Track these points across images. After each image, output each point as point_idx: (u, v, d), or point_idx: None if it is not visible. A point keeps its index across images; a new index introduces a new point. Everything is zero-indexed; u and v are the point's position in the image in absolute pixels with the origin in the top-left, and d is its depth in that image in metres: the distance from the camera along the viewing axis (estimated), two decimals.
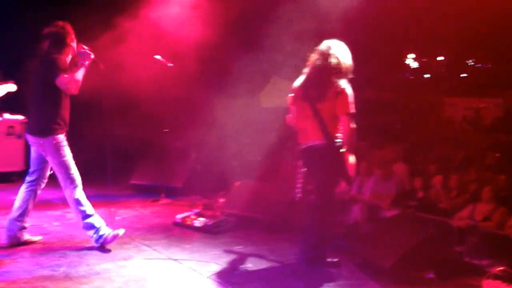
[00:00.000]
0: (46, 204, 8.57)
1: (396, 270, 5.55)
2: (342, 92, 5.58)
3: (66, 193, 6.29)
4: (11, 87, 6.74)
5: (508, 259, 5.85)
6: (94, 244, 6.27)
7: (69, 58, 6.30)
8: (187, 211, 7.86)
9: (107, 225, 6.76)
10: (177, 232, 7.26)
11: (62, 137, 6.19)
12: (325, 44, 5.80)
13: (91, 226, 6.27)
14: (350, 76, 5.76)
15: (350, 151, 5.64)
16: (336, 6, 8.01)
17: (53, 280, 5.26)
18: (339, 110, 5.59)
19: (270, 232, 7.25)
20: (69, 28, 6.33)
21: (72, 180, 6.25)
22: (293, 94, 5.99)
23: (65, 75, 6.03)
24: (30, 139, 6.29)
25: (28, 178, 6.47)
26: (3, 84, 6.73)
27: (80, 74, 6.17)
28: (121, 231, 6.38)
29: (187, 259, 6.04)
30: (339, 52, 5.72)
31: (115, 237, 6.31)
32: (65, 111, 6.28)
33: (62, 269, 5.58)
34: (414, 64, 23.15)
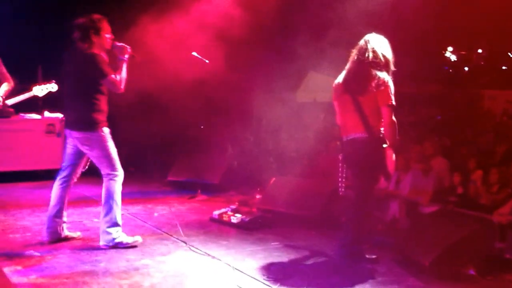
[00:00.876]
0: (86, 201, 8.70)
1: (436, 266, 5.47)
2: (383, 83, 5.53)
3: (106, 184, 6.30)
4: (53, 86, 6.83)
5: None
6: (108, 244, 6.19)
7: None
8: (223, 207, 7.87)
9: (145, 221, 6.83)
10: (214, 229, 7.29)
11: (107, 130, 6.25)
12: (364, 39, 5.77)
13: (115, 224, 6.26)
14: (392, 69, 5.71)
15: (391, 146, 5.58)
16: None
17: (93, 275, 5.32)
18: (380, 102, 5.53)
19: (307, 228, 7.23)
20: (103, 20, 6.29)
21: (115, 174, 6.29)
22: (335, 90, 5.96)
23: (113, 75, 6.11)
24: (74, 134, 6.23)
25: (61, 174, 6.50)
26: (45, 84, 6.83)
27: (124, 71, 6.24)
28: (139, 239, 6.39)
29: (224, 255, 6.06)
30: (378, 45, 5.69)
31: (132, 245, 6.29)
32: (106, 105, 6.34)
33: (102, 265, 5.65)
34: (453, 57, 22.80)
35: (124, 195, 9.12)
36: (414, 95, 14.65)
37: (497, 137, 9.50)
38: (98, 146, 6.17)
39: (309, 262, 5.91)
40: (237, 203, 8.19)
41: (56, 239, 6.37)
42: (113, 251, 6.11)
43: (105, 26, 6.26)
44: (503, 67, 21.46)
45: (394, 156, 5.61)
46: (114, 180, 6.27)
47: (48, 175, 10.31)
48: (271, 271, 5.59)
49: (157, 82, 9.42)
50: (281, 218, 7.52)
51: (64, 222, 6.47)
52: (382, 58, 5.63)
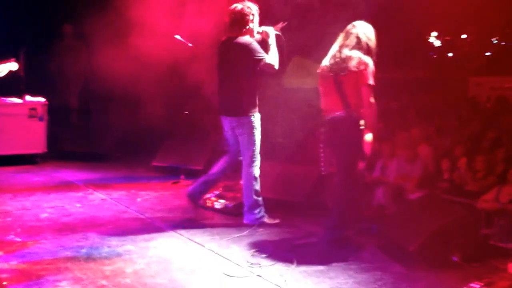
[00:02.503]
0: (68, 186, 8.63)
1: (421, 252, 5.46)
2: (363, 63, 5.70)
3: (246, 169, 6.62)
4: (13, 65, 6.66)
5: None
6: (252, 222, 6.59)
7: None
8: (208, 192, 7.81)
9: (128, 206, 6.76)
10: (198, 214, 7.24)
11: (258, 116, 6.58)
12: (352, 24, 5.94)
13: (257, 205, 6.65)
14: (374, 54, 5.85)
15: (369, 127, 5.73)
16: None
17: (75, 261, 5.27)
18: (360, 81, 5.68)
19: (292, 214, 7.19)
20: (254, 8, 6.54)
21: (257, 159, 6.61)
22: (320, 74, 6.10)
23: (268, 59, 6.41)
24: (229, 119, 6.63)
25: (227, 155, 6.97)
26: (5, 63, 6.65)
27: (276, 52, 6.55)
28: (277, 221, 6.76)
29: (208, 241, 6.02)
30: (362, 32, 5.87)
31: (271, 224, 6.68)
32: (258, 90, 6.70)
33: (84, 251, 5.59)
34: (437, 43, 22.78)
35: (108, 180, 9.15)
36: (399, 81, 14.62)
37: (483, 124, 9.49)
38: (248, 130, 6.51)
39: (294, 248, 5.88)
40: (221, 189, 8.12)
41: (192, 201, 7.03)
42: (95, 237, 6.06)
43: (256, 13, 6.57)
44: (487, 53, 21.48)
45: (371, 137, 5.73)
46: (254, 168, 6.62)
47: (30, 160, 10.26)
48: (256, 257, 5.56)
49: (143, 68, 9.35)
50: (267, 204, 7.46)
51: (206, 192, 7.18)
52: (365, 45, 5.82)
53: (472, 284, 4.90)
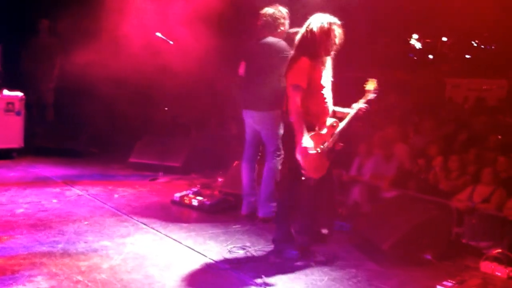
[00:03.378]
0: (44, 181, 8.57)
1: (394, 251, 5.54)
2: (292, 61, 5.53)
3: (269, 164, 6.69)
4: None
5: (506, 241, 5.85)
6: (268, 215, 6.61)
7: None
8: (185, 190, 7.84)
9: (105, 202, 6.76)
10: (175, 211, 7.26)
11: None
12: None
13: (274, 198, 6.58)
14: (320, 51, 5.47)
15: (295, 128, 5.36)
16: None
17: (51, 256, 5.26)
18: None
19: None
20: (284, 11, 6.65)
21: (280, 153, 6.65)
22: None
23: None
24: (251, 115, 6.75)
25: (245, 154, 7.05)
26: None
27: None
28: None
29: (184, 237, 6.04)
30: (310, 24, 5.46)
31: (248, 221, 6.76)
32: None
33: (60, 246, 5.58)
34: (418, 45, 22.96)
35: (84, 176, 9.11)
36: (378, 81, 14.68)
37: (459, 125, 9.61)
38: (271, 125, 6.61)
39: (270, 245, 5.90)
40: (199, 186, 8.15)
41: (252, 213, 6.90)
42: (71, 232, 6.04)
43: (286, 16, 6.69)
44: (467, 56, 21.68)
45: (298, 137, 5.30)
46: (277, 162, 6.68)
47: (6, 155, 10.17)
48: (231, 254, 5.59)
49: (122, 64, 9.31)
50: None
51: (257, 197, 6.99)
52: (302, 36, 5.50)
53: (444, 282, 4.98)
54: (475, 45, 21.95)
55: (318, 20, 5.40)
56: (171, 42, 8.68)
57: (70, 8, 10.28)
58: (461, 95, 15.28)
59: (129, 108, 11.03)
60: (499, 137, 8.23)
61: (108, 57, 9.26)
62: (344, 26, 5.56)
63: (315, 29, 5.36)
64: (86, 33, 9.95)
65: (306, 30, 5.42)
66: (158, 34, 8.73)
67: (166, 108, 10.02)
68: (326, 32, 5.38)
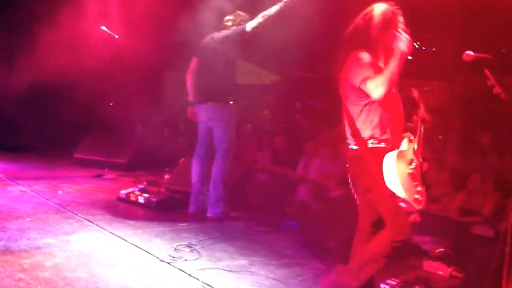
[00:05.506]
0: None
1: (340, 249, 5.60)
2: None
3: (218, 163, 6.73)
4: None
5: (449, 240, 5.99)
6: (217, 216, 6.77)
7: None
8: (131, 187, 7.76)
9: (49, 199, 6.62)
10: (121, 208, 7.18)
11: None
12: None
13: (224, 199, 6.80)
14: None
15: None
16: None
17: None
18: None
19: None
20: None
21: (229, 153, 6.74)
22: None
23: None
24: (207, 107, 6.75)
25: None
26: None
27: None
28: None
29: (130, 235, 5.97)
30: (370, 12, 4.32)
31: (195, 219, 6.80)
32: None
33: (1, 243, 5.43)
34: None
35: (28, 172, 8.93)
36: (326, 80, 14.85)
37: None
38: (223, 120, 6.68)
39: (217, 243, 5.91)
40: (145, 183, 8.10)
41: (199, 211, 6.97)
42: (14, 229, 5.90)
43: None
44: (409, 57, 22.11)
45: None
46: (227, 161, 6.76)
47: None
48: (178, 252, 5.56)
49: (67, 58, 9.17)
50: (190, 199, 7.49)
51: (206, 195, 7.06)
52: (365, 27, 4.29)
53: (388, 281, 5.05)
54: (417, 46, 22.38)
55: (379, 8, 4.27)
56: (116, 36, 8.59)
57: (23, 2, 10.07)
58: (403, 96, 15.56)
59: (75, 103, 10.87)
60: (440, 137, 8.43)
61: (53, 52, 9.11)
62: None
63: (376, 18, 4.23)
64: (36, 27, 9.74)
65: (364, 19, 4.29)
66: (104, 28, 8.62)
67: (112, 104, 9.91)
68: (388, 22, 4.23)
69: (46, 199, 7.33)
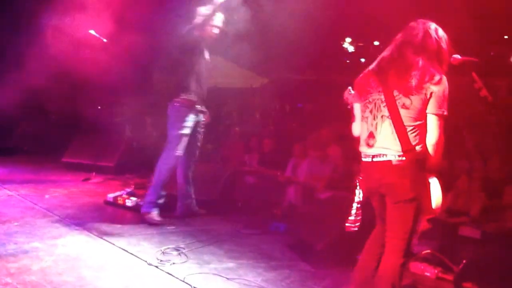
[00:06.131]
0: None
1: (327, 251, 5.61)
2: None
3: (162, 162, 6.70)
4: None
5: (436, 242, 6.01)
6: (142, 209, 6.75)
7: None
8: (119, 190, 7.74)
9: (36, 203, 6.59)
10: (109, 211, 7.17)
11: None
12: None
13: (159, 196, 6.72)
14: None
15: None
16: None
17: None
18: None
19: (204, 212, 7.23)
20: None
21: (176, 155, 6.68)
22: None
23: None
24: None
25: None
26: None
27: None
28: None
29: (118, 238, 5.95)
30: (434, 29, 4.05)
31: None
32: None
33: None
34: (351, 48, 23.36)
35: (15, 175, 8.88)
36: (314, 83, 14.92)
37: None
38: (169, 117, 6.72)
39: (205, 246, 5.91)
40: (133, 186, 8.08)
41: (187, 214, 7.02)
42: (1, 233, 5.87)
43: None
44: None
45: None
46: (171, 164, 6.76)
47: None
48: (166, 254, 5.55)
49: (55, 60, 9.14)
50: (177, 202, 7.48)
51: (193, 198, 7.12)
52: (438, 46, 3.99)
53: None
54: None
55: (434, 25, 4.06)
56: (104, 40, 8.57)
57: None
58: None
59: (63, 106, 10.84)
60: None
61: (41, 53, 9.08)
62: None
63: (443, 38, 4.02)
64: (18, 29, 9.72)
65: (435, 38, 4.00)
66: (92, 31, 8.60)
67: (100, 107, 9.89)
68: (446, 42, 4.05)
69: (33, 203, 7.30)
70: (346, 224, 4.26)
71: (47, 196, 7.71)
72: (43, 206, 7.14)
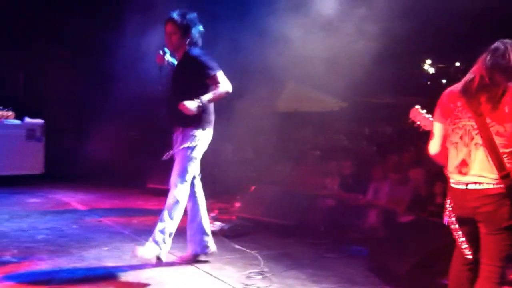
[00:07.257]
0: (64, 207, 8.68)
1: (411, 276, 5.55)
2: None
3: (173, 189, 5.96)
4: None
5: None
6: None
7: None
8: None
9: (123, 228, 6.80)
10: None
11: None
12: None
13: (162, 238, 5.84)
14: None
15: None
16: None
17: (71, 282, 5.30)
18: None
19: (285, 236, 7.27)
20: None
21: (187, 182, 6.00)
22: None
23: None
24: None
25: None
26: None
27: None
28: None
29: (202, 263, 6.06)
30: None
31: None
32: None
33: (80, 272, 5.63)
34: (431, 70, 23.02)
35: (103, 201, 9.20)
36: (393, 105, 14.78)
37: None
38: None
39: (288, 270, 5.95)
40: (216, 211, 8.20)
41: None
42: (91, 258, 6.10)
43: None
44: None
45: None
46: (180, 189, 5.98)
47: (28, 181, 10.31)
48: (250, 279, 5.62)
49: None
50: (261, 227, 7.56)
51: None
52: None
53: None
54: None
55: None
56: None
57: None
58: None
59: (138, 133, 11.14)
60: None
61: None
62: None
63: None
64: None
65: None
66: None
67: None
68: None
69: (121, 228, 7.54)
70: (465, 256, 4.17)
71: (134, 221, 7.94)
72: (131, 231, 7.36)
